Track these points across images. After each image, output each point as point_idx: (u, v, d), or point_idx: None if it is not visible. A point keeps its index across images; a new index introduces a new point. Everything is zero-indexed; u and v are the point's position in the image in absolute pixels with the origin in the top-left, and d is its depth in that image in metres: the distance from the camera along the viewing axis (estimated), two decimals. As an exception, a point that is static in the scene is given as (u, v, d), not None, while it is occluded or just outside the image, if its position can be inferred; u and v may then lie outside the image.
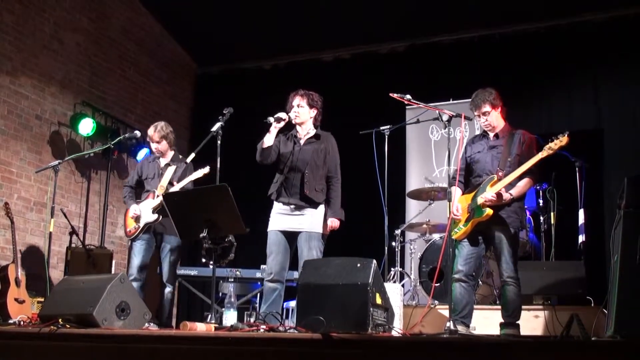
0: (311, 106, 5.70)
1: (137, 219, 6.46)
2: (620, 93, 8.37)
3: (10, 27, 7.98)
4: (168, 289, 6.48)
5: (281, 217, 5.60)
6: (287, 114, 5.60)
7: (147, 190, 6.58)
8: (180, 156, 6.77)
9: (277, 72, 10.36)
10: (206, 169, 6.25)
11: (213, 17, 9.58)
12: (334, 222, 5.61)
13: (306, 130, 5.74)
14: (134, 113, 9.72)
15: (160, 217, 6.33)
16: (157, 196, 6.36)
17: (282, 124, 5.56)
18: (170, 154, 6.69)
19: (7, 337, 4.64)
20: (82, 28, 8.95)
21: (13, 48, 8.02)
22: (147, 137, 6.74)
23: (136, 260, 6.41)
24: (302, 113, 5.67)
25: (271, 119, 5.52)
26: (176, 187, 6.31)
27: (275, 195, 5.64)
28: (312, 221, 5.55)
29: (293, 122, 5.68)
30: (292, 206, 5.57)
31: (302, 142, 5.69)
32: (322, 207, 5.61)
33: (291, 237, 5.59)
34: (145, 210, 6.42)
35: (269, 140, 5.54)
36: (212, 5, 9.31)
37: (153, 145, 6.67)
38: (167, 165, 6.58)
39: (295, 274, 6.08)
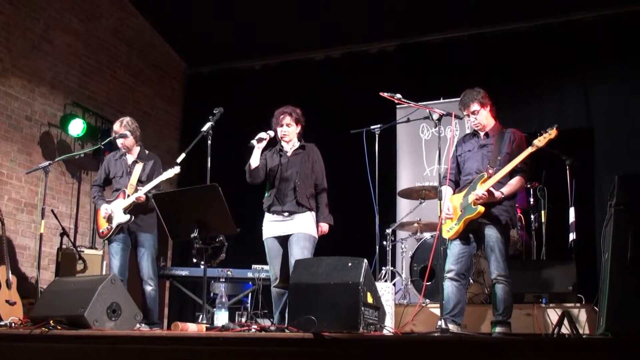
0: (297, 122, 5.88)
1: (109, 218, 6.35)
2: (611, 92, 8.38)
3: (-1, 28, 7.95)
4: (150, 287, 6.29)
5: (274, 225, 5.77)
6: (267, 132, 5.75)
7: (117, 189, 6.45)
8: (147, 151, 6.62)
9: (267, 71, 10.32)
10: (176, 169, 6.09)
11: (203, 18, 9.56)
12: (323, 227, 5.81)
13: (292, 144, 5.92)
14: (124, 113, 9.58)
15: (132, 217, 6.23)
16: (128, 196, 6.25)
17: (264, 143, 5.74)
18: (137, 149, 6.54)
19: (-3, 338, 4.64)
20: (72, 28, 8.92)
21: (3, 49, 7.98)
22: (112, 132, 6.60)
23: (115, 262, 6.29)
24: (290, 132, 5.86)
25: (254, 142, 5.68)
26: (147, 187, 6.19)
27: (269, 208, 5.80)
28: (302, 224, 5.69)
29: (281, 140, 5.86)
30: (286, 213, 5.72)
31: (289, 154, 5.87)
32: (311, 213, 5.78)
33: (284, 241, 5.74)
34: (117, 211, 6.29)
35: (254, 161, 5.73)
36: (203, 5, 9.29)
37: (119, 141, 6.50)
38: (135, 162, 6.46)
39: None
